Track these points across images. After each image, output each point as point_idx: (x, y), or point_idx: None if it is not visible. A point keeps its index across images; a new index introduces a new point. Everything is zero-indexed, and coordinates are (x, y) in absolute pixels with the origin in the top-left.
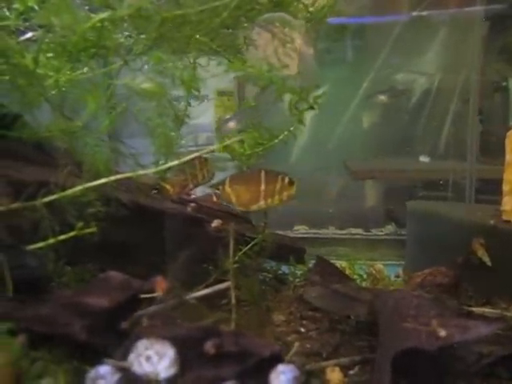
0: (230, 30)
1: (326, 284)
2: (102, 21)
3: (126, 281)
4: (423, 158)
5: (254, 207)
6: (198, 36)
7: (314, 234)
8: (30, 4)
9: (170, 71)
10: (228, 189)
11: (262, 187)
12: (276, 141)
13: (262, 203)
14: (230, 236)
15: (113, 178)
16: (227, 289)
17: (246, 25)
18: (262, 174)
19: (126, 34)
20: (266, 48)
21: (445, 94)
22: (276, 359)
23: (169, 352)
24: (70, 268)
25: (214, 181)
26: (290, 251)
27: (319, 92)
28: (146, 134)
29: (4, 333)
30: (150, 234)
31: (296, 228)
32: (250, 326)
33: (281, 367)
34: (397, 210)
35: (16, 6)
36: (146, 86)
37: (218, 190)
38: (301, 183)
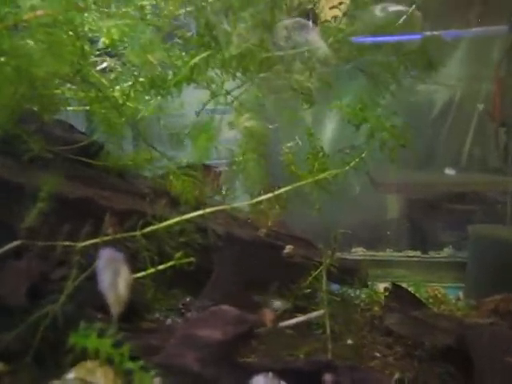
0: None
1: (405, 310)
2: (200, 59)
3: (240, 315)
4: (448, 171)
5: None
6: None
7: (372, 256)
8: (115, 37)
9: (262, 107)
10: None
11: None
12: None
13: None
14: (323, 264)
15: (208, 210)
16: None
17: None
18: None
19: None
20: None
21: (470, 105)
22: None
23: None
24: (159, 294)
25: None
26: (354, 274)
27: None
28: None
29: (138, 370)
30: (232, 261)
31: (354, 250)
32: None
33: None
34: (454, 234)
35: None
36: (250, 124)
37: None
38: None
